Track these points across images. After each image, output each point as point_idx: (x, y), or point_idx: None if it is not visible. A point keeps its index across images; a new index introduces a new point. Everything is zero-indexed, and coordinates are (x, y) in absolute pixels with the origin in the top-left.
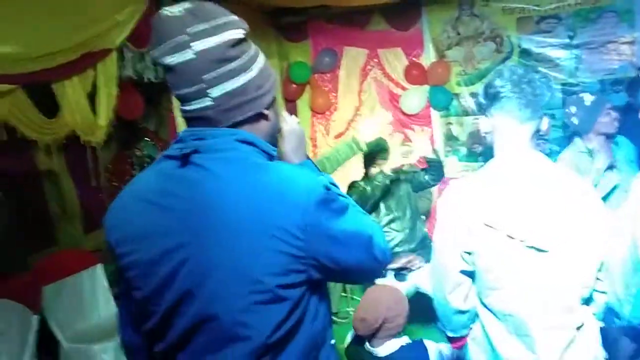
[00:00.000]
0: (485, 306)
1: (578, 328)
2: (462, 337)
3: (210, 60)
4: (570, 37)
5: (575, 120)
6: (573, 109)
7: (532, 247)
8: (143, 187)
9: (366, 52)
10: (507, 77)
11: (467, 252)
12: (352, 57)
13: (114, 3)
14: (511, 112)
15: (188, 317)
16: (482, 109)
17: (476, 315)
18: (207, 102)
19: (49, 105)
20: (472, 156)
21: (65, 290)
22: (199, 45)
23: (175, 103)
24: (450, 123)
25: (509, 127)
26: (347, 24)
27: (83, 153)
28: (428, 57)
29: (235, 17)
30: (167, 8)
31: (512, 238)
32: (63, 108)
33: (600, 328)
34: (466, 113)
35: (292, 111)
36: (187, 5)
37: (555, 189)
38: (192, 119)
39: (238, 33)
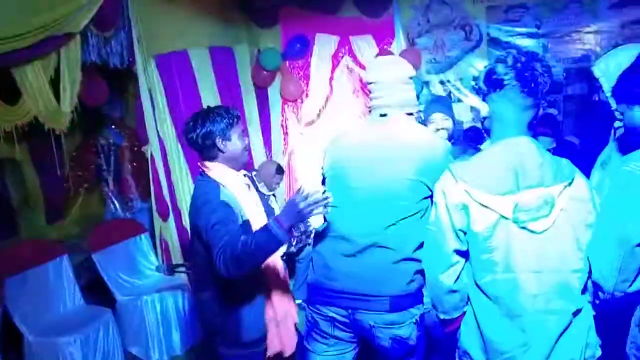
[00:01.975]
0: (479, 288)
1: (574, 314)
2: (455, 320)
3: None
4: (537, 26)
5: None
6: None
7: (525, 228)
8: None
9: (337, 39)
10: (511, 64)
11: (462, 231)
12: (323, 44)
13: None
14: (513, 100)
15: None
16: (481, 94)
17: (468, 298)
18: None
19: (9, 92)
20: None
21: (29, 282)
22: None
23: (142, 89)
24: (420, 110)
25: (509, 113)
26: (318, 10)
27: (46, 141)
28: (399, 45)
29: None
30: None
31: (507, 218)
32: (24, 94)
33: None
34: None
35: (263, 98)
36: None
37: (549, 174)
38: None
39: None
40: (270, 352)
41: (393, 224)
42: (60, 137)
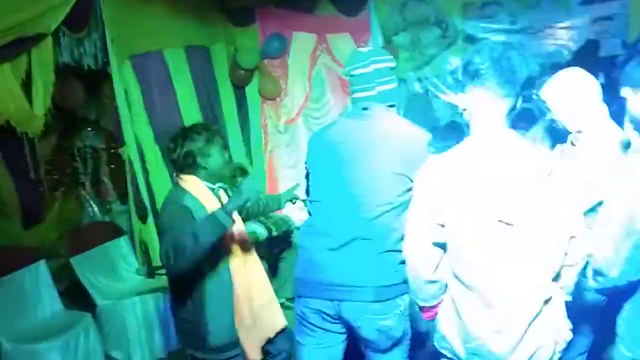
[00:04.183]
0: (456, 278)
1: (545, 302)
2: (433, 307)
3: None
4: (512, 22)
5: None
6: None
7: (502, 221)
8: None
9: (315, 37)
10: (487, 54)
11: (440, 225)
12: (301, 43)
13: None
14: (490, 89)
15: None
16: (459, 87)
17: (446, 286)
18: None
19: None
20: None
21: (5, 288)
22: None
23: (118, 91)
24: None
25: (488, 103)
26: (295, 8)
27: (20, 145)
28: (376, 43)
29: None
30: None
31: (484, 213)
32: None
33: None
34: None
35: (241, 97)
36: None
37: (527, 167)
38: None
39: None
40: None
41: (376, 217)
42: (34, 140)
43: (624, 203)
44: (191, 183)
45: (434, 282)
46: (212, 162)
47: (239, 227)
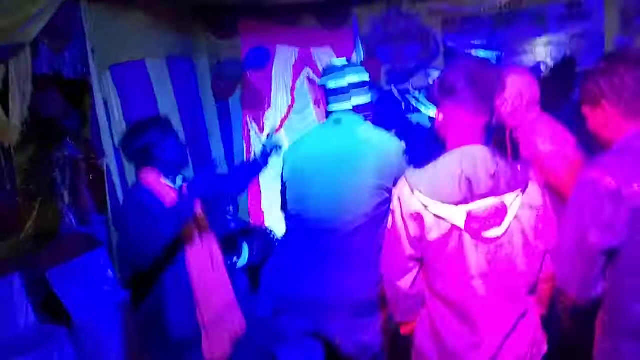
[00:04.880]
0: (433, 292)
1: (522, 316)
2: (410, 322)
3: None
4: (491, 38)
5: None
6: None
7: (478, 236)
8: None
9: (297, 50)
10: (462, 71)
11: (417, 239)
12: (284, 55)
13: None
14: (465, 106)
15: None
16: (435, 103)
17: (424, 300)
18: None
19: None
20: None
21: None
22: None
23: (97, 101)
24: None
25: (462, 120)
26: (278, 21)
27: None
28: (358, 56)
29: None
30: None
31: (459, 227)
32: None
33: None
34: None
35: (224, 109)
36: None
37: (503, 182)
38: None
39: None
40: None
41: (353, 231)
42: (10, 150)
43: (575, 223)
44: (149, 177)
45: (411, 296)
46: (169, 153)
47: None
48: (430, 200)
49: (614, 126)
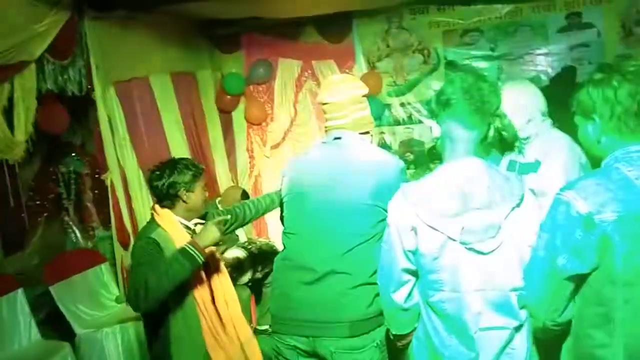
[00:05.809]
0: (428, 305)
1: (516, 329)
2: (407, 335)
3: None
4: (492, 49)
5: None
6: None
7: (473, 249)
8: None
9: (300, 64)
10: (458, 84)
11: (411, 251)
12: (287, 68)
13: (33, 13)
14: (460, 119)
15: None
16: (434, 116)
17: (420, 314)
18: None
19: None
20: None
21: None
22: None
23: (102, 117)
24: (382, 132)
25: (458, 133)
26: (280, 35)
27: (0, 170)
28: (360, 69)
29: None
30: None
31: (454, 240)
32: None
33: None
34: (397, 122)
35: (228, 123)
36: None
37: (498, 196)
38: None
39: None
40: None
41: (350, 250)
42: (15, 166)
43: (546, 243)
44: (165, 218)
45: (406, 309)
46: (194, 198)
47: (216, 256)
48: (425, 213)
49: (605, 141)
